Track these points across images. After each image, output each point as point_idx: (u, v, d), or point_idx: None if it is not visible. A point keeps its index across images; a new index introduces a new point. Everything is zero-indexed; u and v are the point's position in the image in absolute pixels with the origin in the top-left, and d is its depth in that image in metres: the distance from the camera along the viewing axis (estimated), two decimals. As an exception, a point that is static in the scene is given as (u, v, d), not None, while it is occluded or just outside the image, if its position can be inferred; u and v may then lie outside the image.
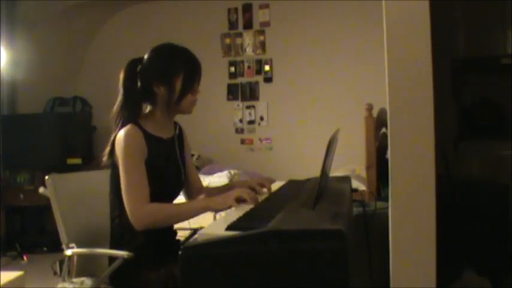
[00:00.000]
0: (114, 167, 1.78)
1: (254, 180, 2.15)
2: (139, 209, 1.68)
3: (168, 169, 1.87)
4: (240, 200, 1.68)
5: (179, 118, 1.97)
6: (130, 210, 1.68)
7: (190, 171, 2.04)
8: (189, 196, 2.08)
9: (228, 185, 2.18)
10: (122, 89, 1.82)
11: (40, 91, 5.25)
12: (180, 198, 2.02)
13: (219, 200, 1.72)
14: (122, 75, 1.83)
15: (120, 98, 1.82)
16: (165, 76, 1.79)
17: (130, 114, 1.79)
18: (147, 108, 1.87)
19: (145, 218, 1.68)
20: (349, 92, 4.97)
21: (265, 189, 1.99)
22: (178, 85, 1.79)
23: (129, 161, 1.71)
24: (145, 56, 1.84)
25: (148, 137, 1.78)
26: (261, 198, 1.80)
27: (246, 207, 1.58)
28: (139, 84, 1.82)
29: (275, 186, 2.14)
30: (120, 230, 1.78)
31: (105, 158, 1.80)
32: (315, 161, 1.91)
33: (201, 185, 2.12)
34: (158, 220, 1.72)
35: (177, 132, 1.97)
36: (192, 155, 5.07)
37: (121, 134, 1.74)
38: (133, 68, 1.83)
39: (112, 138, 1.78)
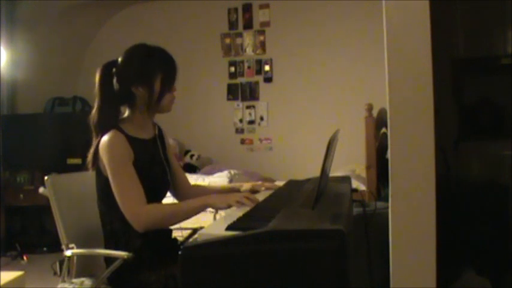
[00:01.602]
0: (99, 175, 1.76)
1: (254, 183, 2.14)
2: (138, 211, 1.66)
3: (154, 170, 1.85)
4: (239, 203, 1.67)
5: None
6: (129, 214, 1.67)
7: (176, 171, 2.02)
8: (179, 196, 2.05)
9: (226, 188, 2.15)
10: (99, 93, 1.80)
11: (40, 91, 5.25)
12: (169, 200, 2.00)
13: (219, 199, 1.71)
14: (97, 80, 1.81)
15: (97, 103, 1.80)
16: (143, 77, 1.78)
17: (110, 119, 1.77)
18: (126, 112, 1.85)
19: (146, 219, 1.67)
20: (349, 92, 4.97)
21: (263, 188, 2.00)
22: (157, 85, 1.78)
23: (118, 167, 1.70)
24: (120, 59, 1.82)
25: (131, 140, 1.76)
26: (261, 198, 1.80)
27: (246, 208, 1.58)
28: (116, 87, 1.80)
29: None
30: (114, 236, 1.77)
31: (89, 165, 1.79)
32: (315, 161, 1.91)
33: (189, 184, 2.09)
34: (159, 220, 1.70)
35: (156, 132, 1.95)
36: (192, 155, 5.09)
37: (105, 140, 1.72)
38: (108, 72, 1.81)
39: (95, 145, 1.76)
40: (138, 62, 1.80)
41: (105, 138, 1.72)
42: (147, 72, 1.78)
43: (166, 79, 1.81)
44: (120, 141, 1.72)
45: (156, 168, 1.87)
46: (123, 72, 1.80)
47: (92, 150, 1.78)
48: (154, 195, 1.79)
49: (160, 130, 1.99)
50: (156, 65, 1.80)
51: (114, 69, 1.81)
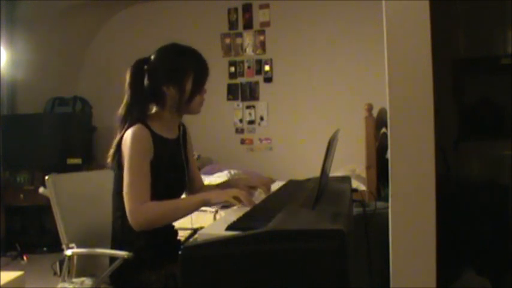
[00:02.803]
0: (119, 167, 1.75)
1: (254, 180, 2.14)
2: (137, 208, 1.66)
3: (173, 170, 1.85)
4: (236, 199, 1.67)
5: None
6: (129, 210, 1.66)
7: (193, 172, 2.04)
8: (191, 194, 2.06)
9: (226, 182, 2.17)
10: (129, 89, 1.79)
11: (40, 91, 5.24)
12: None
13: (215, 195, 1.72)
14: (128, 76, 1.80)
15: (126, 98, 1.80)
16: (175, 76, 1.78)
17: (138, 114, 1.76)
18: (153, 109, 1.85)
19: (142, 217, 1.65)
20: (349, 92, 4.97)
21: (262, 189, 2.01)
22: (188, 85, 1.79)
23: (134, 161, 1.69)
24: (153, 56, 1.83)
25: (155, 137, 1.76)
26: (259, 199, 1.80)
27: (246, 208, 1.58)
28: (146, 84, 1.80)
29: (275, 186, 2.14)
30: (123, 231, 1.76)
31: (109, 160, 1.78)
32: (315, 161, 1.91)
33: (203, 184, 2.11)
34: (156, 217, 1.69)
35: (181, 132, 1.95)
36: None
37: (129, 133, 1.72)
38: (140, 68, 1.81)
39: (117, 139, 1.76)
40: (170, 60, 1.81)
41: (129, 131, 1.72)
42: (178, 72, 1.79)
43: (197, 79, 1.81)
44: (144, 136, 1.72)
45: (174, 169, 1.87)
46: (155, 71, 1.80)
47: (113, 145, 1.77)
48: (169, 196, 1.79)
49: (184, 130, 2.00)
50: (187, 64, 1.80)
51: (145, 67, 1.81)
